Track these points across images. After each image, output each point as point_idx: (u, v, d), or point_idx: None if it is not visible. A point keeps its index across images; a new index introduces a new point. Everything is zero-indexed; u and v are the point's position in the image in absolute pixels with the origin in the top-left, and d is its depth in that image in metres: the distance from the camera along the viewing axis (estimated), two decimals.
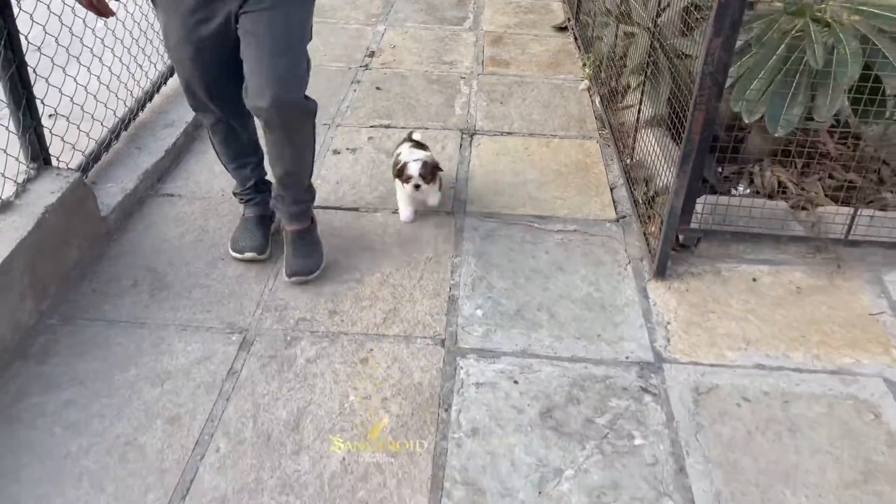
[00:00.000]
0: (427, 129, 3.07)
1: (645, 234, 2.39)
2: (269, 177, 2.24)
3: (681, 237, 2.32)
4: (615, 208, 2.60)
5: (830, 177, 2.65)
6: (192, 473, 1.63)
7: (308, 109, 1.98)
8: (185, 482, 1.61)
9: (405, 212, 2.47)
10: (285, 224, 2.24)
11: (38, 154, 2.17)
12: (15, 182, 2.07)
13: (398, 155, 2.50)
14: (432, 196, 2.45)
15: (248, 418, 1.76)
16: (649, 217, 2.43)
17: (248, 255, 2.23)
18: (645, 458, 1.70)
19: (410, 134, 2.66)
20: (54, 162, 2.23)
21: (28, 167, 2.14)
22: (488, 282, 2.23)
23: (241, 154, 2.23)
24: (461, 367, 1.93)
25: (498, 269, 2.29)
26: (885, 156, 2.76)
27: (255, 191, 2.31)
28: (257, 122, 2.03)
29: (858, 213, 2.21)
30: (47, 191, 2.08)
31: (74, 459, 1.64)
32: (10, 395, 1.79)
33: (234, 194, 2.37)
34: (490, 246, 2.39)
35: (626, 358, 1.97)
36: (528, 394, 1.86)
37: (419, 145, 2.56)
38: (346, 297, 2.16)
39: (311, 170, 2.18)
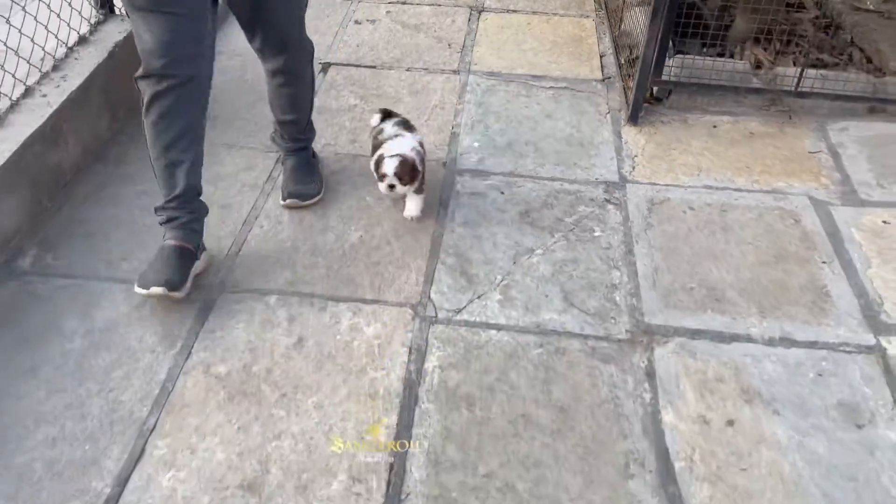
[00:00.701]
0: (440, 5, 3.40)
1: (624, 89, 2.74)
2: (204, 198, 1.96)
3: (654, 90, 2.68)
4: (602, 71, 2.94)
5: (805, 57, 2.97)
6: (242, 240, 2.08)
7: (311, 49, 2.12)
8: (237, 245, 2.06)
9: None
10: (284, 155, 2.28)
11: (105, 2, 2.55)
12: (89, 23, 2.47)
13: (379, 133, 2.16)
14: (410, 203, 2.12)
15: (284, 209, 2.19)
16: (629, 75, 2.77)
17: (155, 289, 1.76)
18: (601, 244, 2.11)
19: (385, 115, 2.27)
20: (117, 12, 2.62)
21: (98, 12, 2.53)
22: (485, 124, 2.62)
23: (176, 146, 1.83)
24: (458, 182, 2.34)
25: (494, 115, 2.67)
26: (858, 42, 3.07)
27: (181, 205, 1.87)
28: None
29: (805, 68, 2.54)
30: (115, 31, 2.48)
31: (149, 228, 2.08)
32: (94, 185, 2.24)
33: (156, 211, 1.89)
34: (489, 97, 2.77)
35: (596, 179, 2.37)
36: (511, 201, 2.27)
37: (405, 124, 2.19)
38: (364, 131, 2.56)
39: (311, 111, 2.24)
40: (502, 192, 2.30)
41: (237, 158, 2.39)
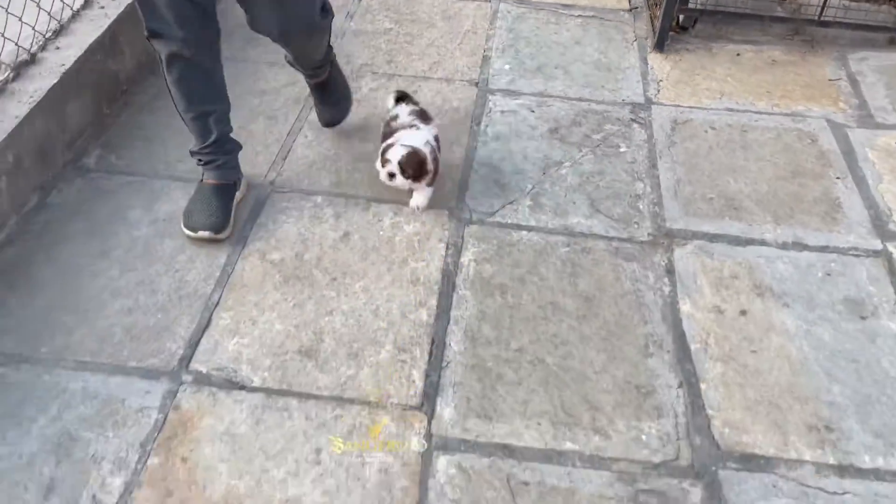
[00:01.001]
0: None
1: (651, 18, 2.82)
2: (235, 134, 1.99)
3: (681, 18, 2.75)
4: (629, 1, 3.02)
5: None
6: (288, 147, 2.21)
7: (324, 26, 1.96)
8: (283, 152, 2.20)
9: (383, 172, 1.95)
10: (307, 79, 2.20)
11: None
12: None
13: (394, 118, 2.06)
14: (418, 194, 1.98)
15: None
16: (656, 4, 2.84)
17: (203, 233, 1.87)
18: (626, 158, 2.23)
19: (400, 97, 2.16)
20: None
21: None
22: (516, 48, 2.72)
23: (203, 99, 1.86)
24: (490, 100, 2.45)
25: (525, 40, 2.76)
26: None
27: (216, 150, 1.93)
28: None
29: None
30: None
31: None
32: (149, 95, 2.38)
33: (192, 154, 1.96)
34: (520, 24, 2.85)
35: (622, 100, 2.47)
36: (541, 118, 2.38)
37: (422, 115, 2.08)
38: (399, 52, 2.67)
39: (324, 52, 2.10)
40: (532, 111, 2.41)
41: (280, 75, 2.51)
